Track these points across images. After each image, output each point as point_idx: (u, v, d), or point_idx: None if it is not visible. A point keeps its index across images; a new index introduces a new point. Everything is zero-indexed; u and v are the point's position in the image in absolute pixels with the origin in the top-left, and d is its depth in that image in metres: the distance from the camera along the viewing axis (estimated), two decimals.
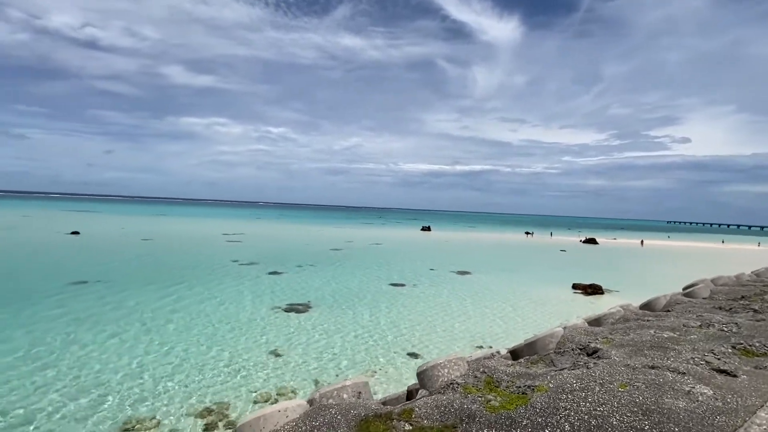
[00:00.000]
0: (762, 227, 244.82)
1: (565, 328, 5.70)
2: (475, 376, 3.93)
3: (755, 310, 4.87)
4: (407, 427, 2.92)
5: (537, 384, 3.49)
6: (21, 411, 9.17)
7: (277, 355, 13.38)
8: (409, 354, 14.02)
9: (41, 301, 18.40)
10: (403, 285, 25.95)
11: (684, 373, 3.43)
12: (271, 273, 27.91)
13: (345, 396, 3.60)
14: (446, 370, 4.13)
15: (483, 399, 3.34)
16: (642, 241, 76.82)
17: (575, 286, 27.37)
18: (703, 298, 6.81)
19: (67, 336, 14.11)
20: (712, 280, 7.60)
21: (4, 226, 55.21)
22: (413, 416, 3.07)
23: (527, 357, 4.87)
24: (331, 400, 3.53)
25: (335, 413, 3.21)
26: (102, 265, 28.27)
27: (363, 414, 3.20)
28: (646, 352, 3.67)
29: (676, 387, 3.21)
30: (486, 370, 4.00)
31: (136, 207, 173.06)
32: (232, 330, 15.61)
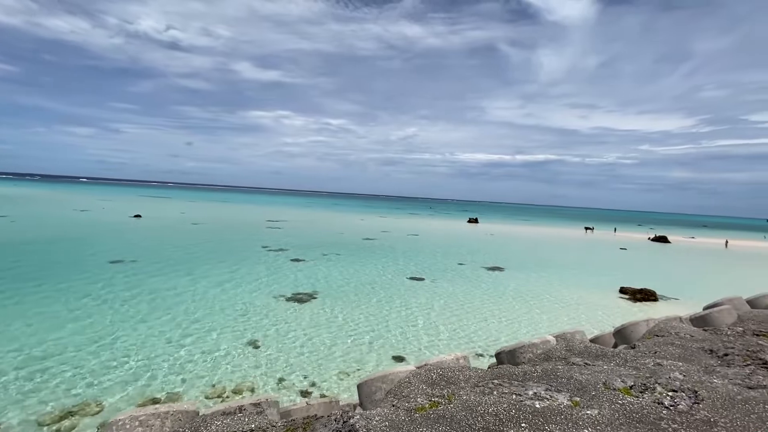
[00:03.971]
0: None
1: (557, 337, 4.14)
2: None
3: (763, 362, 2.91)
4: None
5: None
6: None
7: (255, 347, 12.82)
8: (394, 357, 12.71)
9: (69, 276, 19.81)
10: (422, 279, 24.42)
11: None
12: (293, 260, 27.88)
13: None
14: (384, 385, 2.98)
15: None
16: (726, 242, 66.43)
17: (623, 290, 23.87)
18: (726, 326, 4.69)
19: (64, 307, 14.79)
20: (754, 300, 5.30)
21: (79, 208, 62.28)
22: None
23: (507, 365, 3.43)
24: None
25: None
26: (143, 246, 30.25)
27: None
28: None
29: None
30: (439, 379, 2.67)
31: (206, 194, 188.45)
32: (220, 315, 15.40)
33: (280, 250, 32.05)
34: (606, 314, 18.81)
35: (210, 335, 13.47)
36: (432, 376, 2.79)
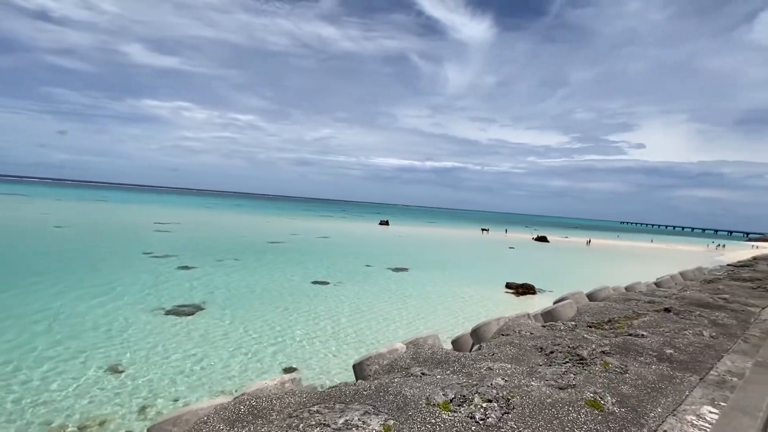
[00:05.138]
0: (703, 229, 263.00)
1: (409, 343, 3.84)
2: None
3: (580, 359, 3.17)
4: None
5: None
6: None
7: (116, 372, 10.86)
8: (285, 370, 11.92)
9: None
10: (327, 283, 23.81)
11: None
12: (180, 268, 24.93)
13: None
14: (176, 429, 2.16)
15: None
16: (588, 240, 78.89)
17: (508, 286, 26.35)
18: (567, 319, 5.15)
19: None
20: (593, 293, 6.07)
21: None
22: None
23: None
24: None
25: None
26: None
27: None
28: None
29: None
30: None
31: (81, 191, 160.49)
32: (81, 334, 12.86)
33: (166, 256, 28.47)
34: (491, 308, 20.41)
35: (52, 362, 11.07)
36: (239, 410, 2.33)
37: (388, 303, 19.94)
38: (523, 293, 24.76)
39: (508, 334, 4.15)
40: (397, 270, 29.84)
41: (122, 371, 10.92)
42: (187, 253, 29.97)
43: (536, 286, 25.97)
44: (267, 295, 19.91)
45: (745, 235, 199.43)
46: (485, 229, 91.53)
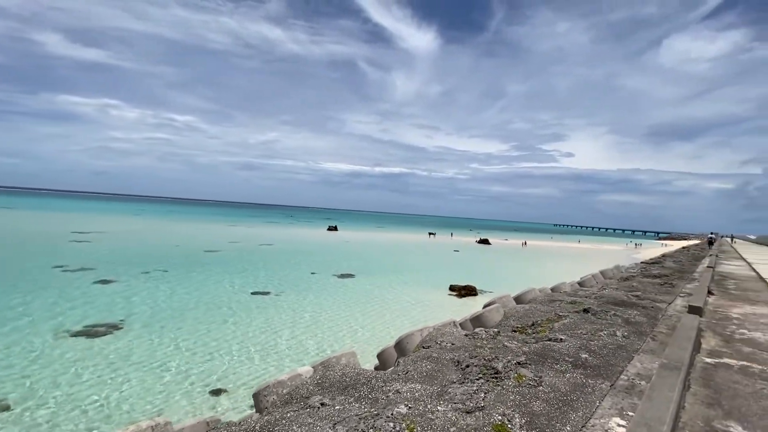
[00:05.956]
0: (623, 230, 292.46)
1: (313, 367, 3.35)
2: None
3: (495, 373, 3.06)
4: None
5: None
6: None
7: (6, 409, 9.22)
8: (212, 392, 10.90)
9: None
10: (267, 293, 22.63)
11: None
12: (97, 282, 22.32)
13: None
14: None
15: None
16: (524, 242, 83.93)
17: (452, 288, 26.92)
18: (494, 324, 5.09)
19: None
20: (520, 296, 6.19)
21: None
22: None
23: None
24: None
25: None
26: None
27: None
28: None
29: None
30: None
31: None
32: None
33: (82, 269, 25.42)
34: (434, 312, 20.62)
35: None
36: None
37: (331, 312, 19.35)
38: (466, 295, 25.39)
39: (429, 346, 3.95)
40: (342, 276, 29.28)
41: (12, 408, 9.30)
42: (107, 266, 27.01)
43: (478, 287, 26.79)
44: (198, 309, 18.40)
45: (656, 235, 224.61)
46: (432, 233, 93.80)
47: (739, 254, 35.19)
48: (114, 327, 15.27)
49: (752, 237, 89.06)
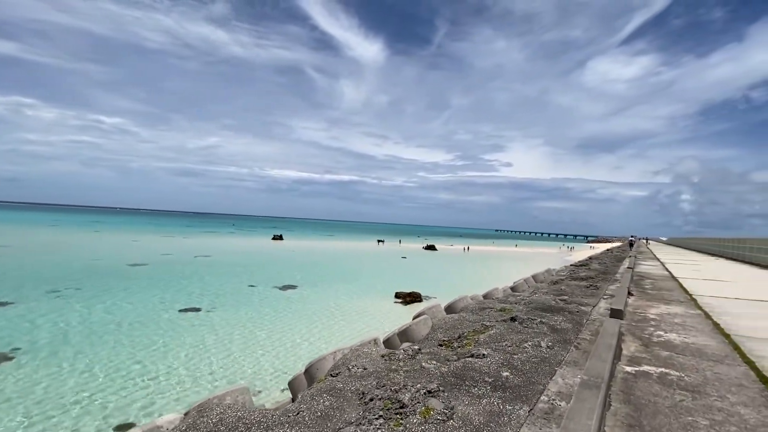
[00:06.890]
0: (557, 234, 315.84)
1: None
2: None
3: (400, 407, 2.72)
4: None
5: None
6: None
7: None
8: (116, 429, 9.47)
9: None
10: (198, 310, 20.81)
11: None
12: None
13: None
14: None
15: None
16: (467, 247, 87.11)
17: (397, 295, 26.75)
18: (421, 338, 4.74)
19: None
20: (451, 304, 5.97)
21: None
22: None
23: None
24: None
25: None
26: None
27: None
28: None
29: None
30: None
31: None
32: None
33: None
34: (378, 321, 20.22)
35: None
36: None
37: (268, 327, 18.17)
38: (411, 301, 25.32)
39: (338, 373, 3.48)
40: (284, 288, 27.95)
41: None
42: (5, 285, 23.36)
43: (423, 293, 26.89)
44: (114, 331, 16.34)
45: (585, 238, 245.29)
46: (381, 241, 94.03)
47: (654, 254, 38.99)
48: (4, 357, 12.98)
49: (664, 239, 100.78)
